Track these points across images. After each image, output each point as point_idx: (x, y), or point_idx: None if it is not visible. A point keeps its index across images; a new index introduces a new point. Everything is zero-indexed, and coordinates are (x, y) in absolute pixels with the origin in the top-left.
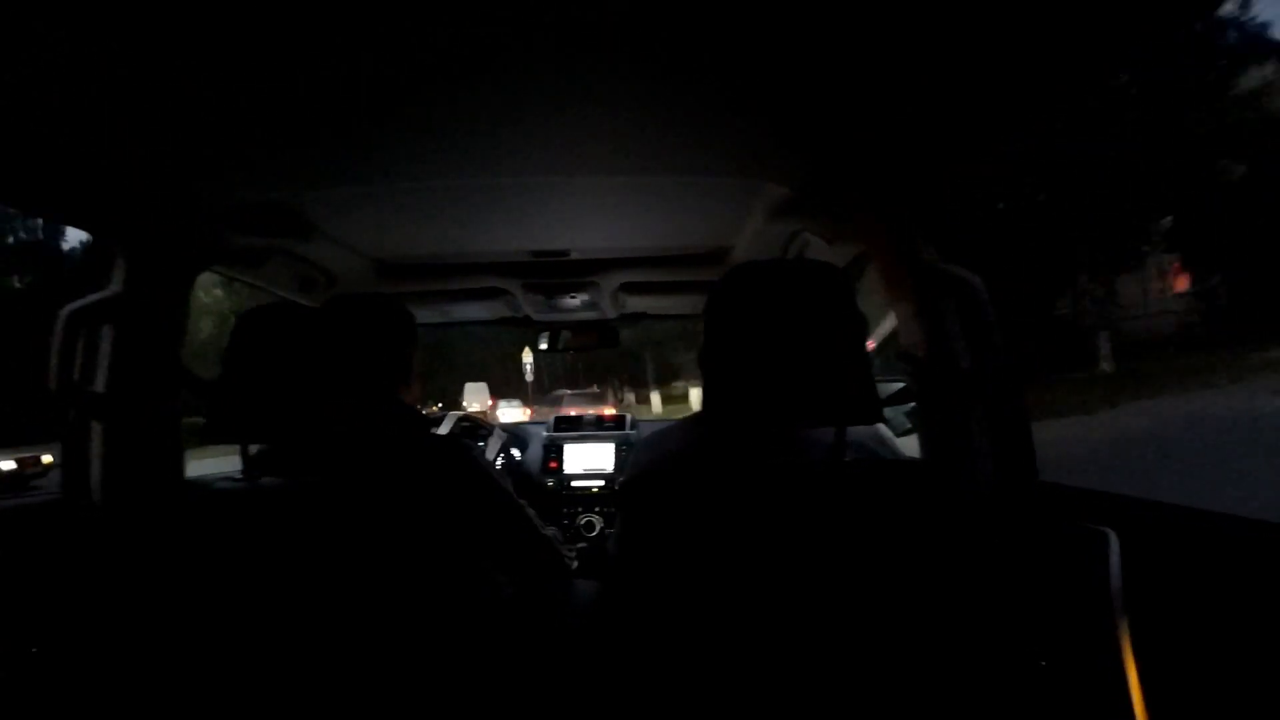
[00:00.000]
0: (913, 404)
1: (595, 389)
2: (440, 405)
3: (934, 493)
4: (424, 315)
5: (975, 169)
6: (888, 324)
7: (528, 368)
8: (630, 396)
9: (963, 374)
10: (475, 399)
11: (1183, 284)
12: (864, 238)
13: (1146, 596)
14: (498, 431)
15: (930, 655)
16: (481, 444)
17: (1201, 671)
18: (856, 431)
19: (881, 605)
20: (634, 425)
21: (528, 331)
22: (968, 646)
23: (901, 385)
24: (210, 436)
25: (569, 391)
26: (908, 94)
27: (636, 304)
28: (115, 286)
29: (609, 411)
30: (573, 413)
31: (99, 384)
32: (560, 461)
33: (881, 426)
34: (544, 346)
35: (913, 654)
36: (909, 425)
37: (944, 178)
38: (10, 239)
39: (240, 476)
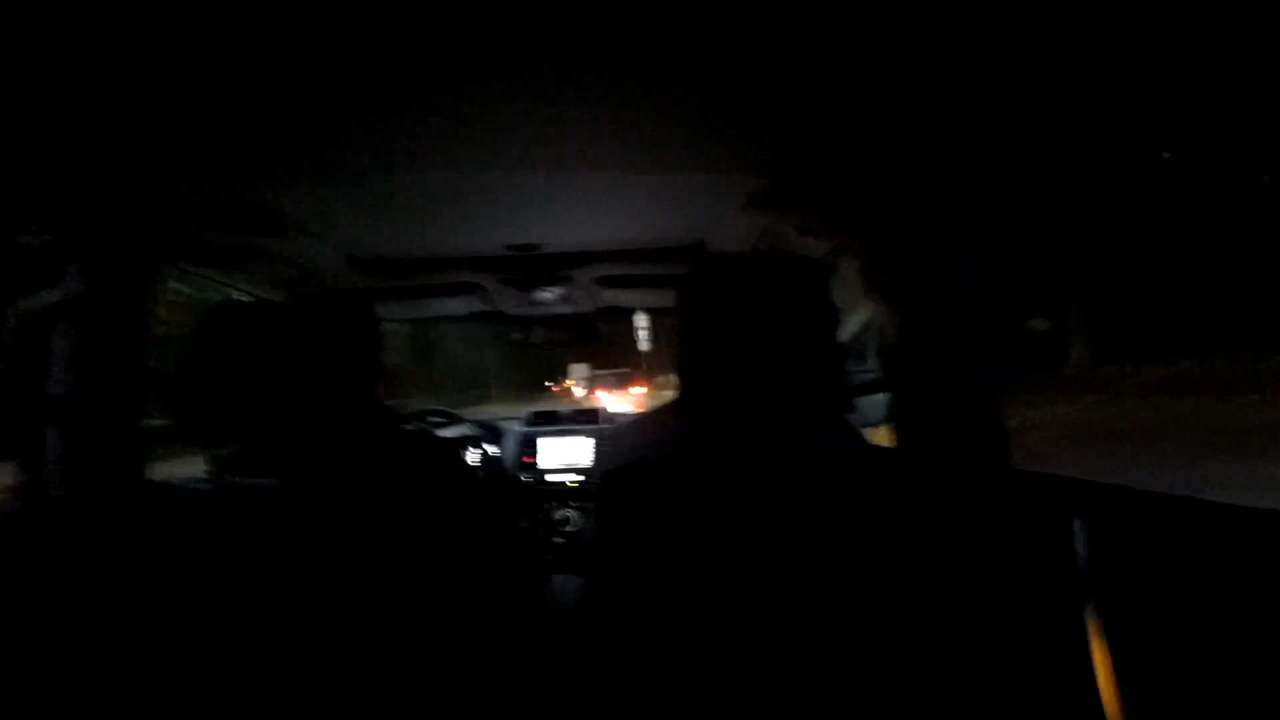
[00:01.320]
0: (887, 394)
1: (625, 369)
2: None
3: (908, 481)
4: (399, 311)
5: (960, 165)
6: (863, 315)
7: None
8: None
9: (938, 364)
10: (578, 375)
11: None
12: (839, 230)
13: (1114, 581)
14: (472, 426)
15: (904, 640)
16: (456, 438)
17: (1169, 655)
18: (829, 422)
19: (858, 592)
20: (610, 419)
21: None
22: (941, 631)
23: (875, 376)
24: (179, 438)
25: (601, 372)
26: (884, 88)
27: (613, 298)
28: (74, 284)
29: (636, 392)
30: (602, 392)
31: (57, 385)
32: (535, 456)
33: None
34: (518, 339)
35: (887, 640)
36: (883, 416)
37: (925, 171)
38: None
39: (209, 478)
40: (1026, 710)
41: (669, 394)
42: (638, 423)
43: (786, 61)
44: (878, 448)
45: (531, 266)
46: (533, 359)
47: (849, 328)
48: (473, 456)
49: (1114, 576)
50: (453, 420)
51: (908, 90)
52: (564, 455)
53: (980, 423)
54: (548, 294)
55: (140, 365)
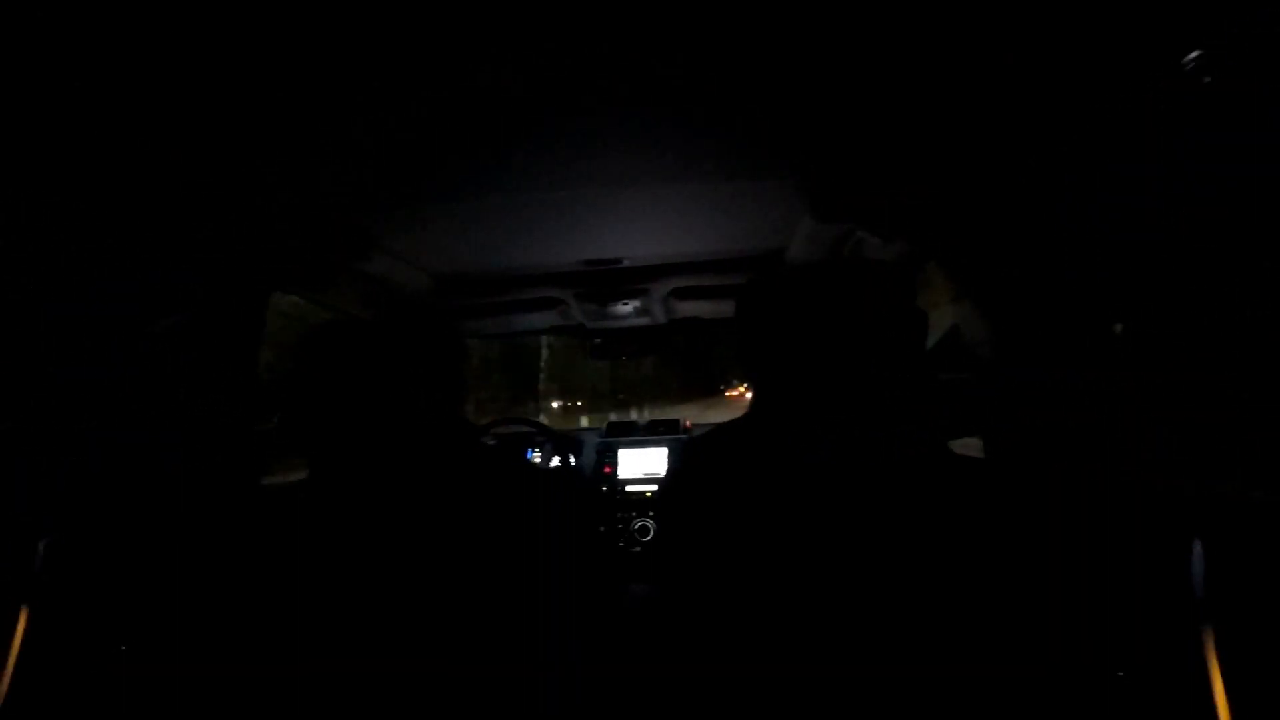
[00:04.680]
0: (974, 403)
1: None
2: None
3: (998, 493)
4: (482, 326)
5: (1045, 164)
6: (947, 321)
7: None
8: None
9: (1028, 370)
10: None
11: None
12: (921, 234)
13: (1235, 603)
14: (553, 437)
15: (1001, 663)
16: (537, 450)
17: None
18: (909, 430)
19: (944, 608)
20: (688, 430)
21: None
22: (1040, 654)
23: (962, 383)
24: (279, 447)
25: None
26: (964, 84)
27: (688, 309)
28: (196, 307)
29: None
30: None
31: (182, 397)
32: (614, 466)
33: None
34: (595, 354)
35: (981, 662)
36: (969, 425)
37: (1008, 171)
38: None
39: (308, 483)
40: None
41: None
42: (712, 434)
43: (864, 68)
44: (963, 457)
45: (610, 280)
46: (615, 369)
47: (934, 334)
48: (553, 467)
49: (1237, 598)
50: (536, 430)
51: (989, 93)
52: (643, 466)
53: (1078, 434)
54: (625, 307)
55: (253, 380)
